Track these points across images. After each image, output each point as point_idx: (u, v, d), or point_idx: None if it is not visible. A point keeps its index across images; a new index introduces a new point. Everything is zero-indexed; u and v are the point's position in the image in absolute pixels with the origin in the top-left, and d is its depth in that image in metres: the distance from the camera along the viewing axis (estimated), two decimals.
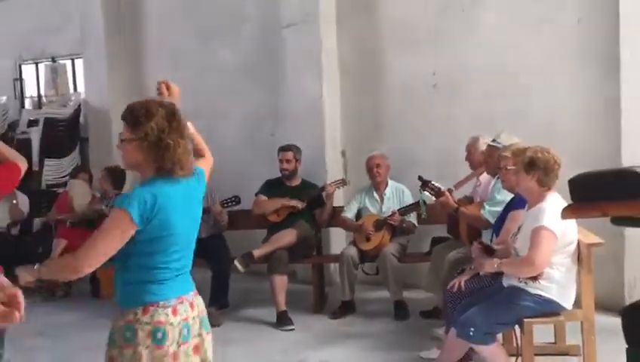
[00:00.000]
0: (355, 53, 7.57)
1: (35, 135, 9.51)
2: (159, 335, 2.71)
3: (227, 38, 8.43)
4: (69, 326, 6.54)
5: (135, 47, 9.25)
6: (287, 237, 6.49)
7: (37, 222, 8.56)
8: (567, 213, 3.32)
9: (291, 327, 6.12)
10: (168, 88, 3.24)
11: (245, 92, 8.28)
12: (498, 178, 5.10)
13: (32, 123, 9.68)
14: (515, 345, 4.54)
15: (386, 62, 7.39)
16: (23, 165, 4.18)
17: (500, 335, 4.62)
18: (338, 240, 7.30)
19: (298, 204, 6.67)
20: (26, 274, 2.85)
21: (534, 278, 4.21)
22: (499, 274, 4.47)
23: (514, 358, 4.42)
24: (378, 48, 7.43)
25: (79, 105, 9.53)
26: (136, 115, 2.75)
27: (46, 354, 5.75)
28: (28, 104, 10.47)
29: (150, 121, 2.72)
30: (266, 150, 7.75)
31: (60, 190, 8.80)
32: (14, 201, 8.12)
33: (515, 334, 4.51)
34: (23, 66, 10.58)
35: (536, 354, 4.36)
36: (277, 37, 7.80)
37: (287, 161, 6.80)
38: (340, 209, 6.86)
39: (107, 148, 9.08)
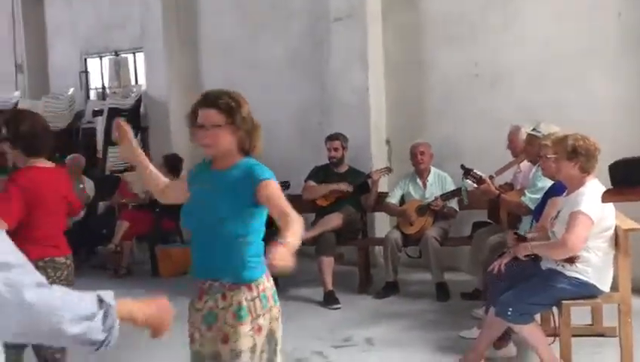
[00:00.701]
0: (399, 45, 7.52)
1: (100, 124, 9.69)
2: (275, 296, 2.91)
3: (277, 32, 8.45)
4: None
5: (191, 41, 9.35)
6: (335, 220, 6.52)
7: (101, 205, 8.75)
8: (607, 196, 3.28)
9: (338, 306, 6.15)
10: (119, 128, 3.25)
11: (294, 84, 8.31)
12: (539, 166, 5.03)
13: (96, 113, 9.86)
14: (552, 325, 4.49)
15: (429, 55, 7.33)
16: None
17: (538, 316, 4.58)
18: (382, 225, 7.31)
19: (348, 187, 6.69)
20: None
21: (571, 261, 4.16)
22: (538, 258, 4.42)
23: (551, 339, 4.38)
24: (421, 41, 7.38)
25: (140, 97, 9.66)
26: (227, 102, 2.83)
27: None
28: (93, 95, 10.67)
29: (242, 106, 2.85)
30: (313, 139, 7.77)
31: (122, 176, 8.96)
32: (81, 186, 8.30)
33: (553, 315, 4.46)
34: (88, 60, 10.78)
35: (573, 335, 4.31)
36: (325, 31, 7.79)
37: (335, 149, 6.81)
38: (385, 195, 6.85)
39: (166, 137, 9.22)
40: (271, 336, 2.87)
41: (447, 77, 7.21)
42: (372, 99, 7.49)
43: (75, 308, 1.76)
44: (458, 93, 7.16)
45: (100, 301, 1.83)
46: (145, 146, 9.65)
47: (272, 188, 2.83)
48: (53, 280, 3.84)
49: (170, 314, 2.09)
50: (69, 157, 8.46)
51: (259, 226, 2.88)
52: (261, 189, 2.79)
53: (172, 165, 8.08)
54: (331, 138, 6.89)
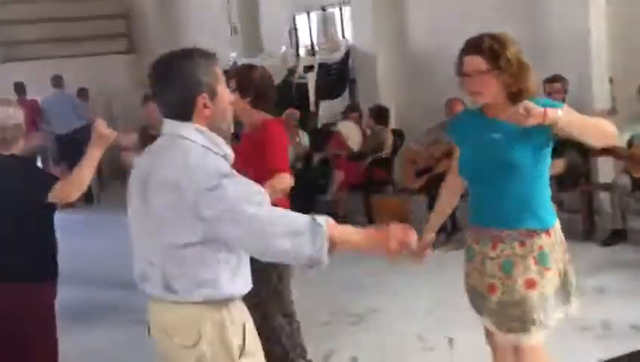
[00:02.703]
0: None
1: (311, 80, 9.97)
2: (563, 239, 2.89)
3: None
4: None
5: None
6: (557, 166, 6.21)
7: (315, 156, 9.05)
8: None
9: None
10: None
11: (508, 27, 7.93)
12: None
13: (307, 69, 10.15)
14: None
15: None
16: None
17: None
18: (606, 169, 6.86)
19: None
20: None
21: None
22: None
23: None
24: None
25: (348, 50, 9.79)
26: (490, 45, 2.72)
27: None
28: (302, 52, 10.97)
29: (507, 48, 2.71)
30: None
31: (333, 128, 9.18)
32: (297, 139, 8.63)
33: None
34: (297, 17, 11.07)
35: None
36: None
37: (557, 92, 6.47)
38: None
39: (373, 89, 9.30)
40: (566, 279, 2.84)
41: None
42: (593, 37, 6.99)
43: (289, 224, 2.09)
44: None
45: (312, 221, 2.09)
46: (353, 98, 9.83)
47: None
48: None
49: (405, 233, 2.17)
50: (286, 112, 8.81)
51: (547, 171, 2.82)
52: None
53: (377, 115, 8.25)
54: (550, 80, 6.54)
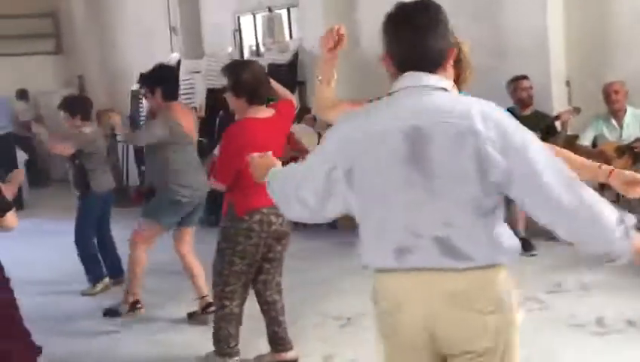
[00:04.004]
0: None
1: None
2: None
3: None
4: (319, 251, 6.73)
5: None
6: None
7: None
8: None
9: (534, 253, 5.93)
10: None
11: (466, 28, 7.93)
12: None
13: None
14: None
15: None
16: (294, 100, 4.37)
17: None
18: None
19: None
20: None
21: None
22: None
23: None
24: None
25: (297, 52, 9.60)
26: None
27: (305, 275, 5.89)
28: (246, 53, 10.68)
29: None
30: (489, 83, 7.41)
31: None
32: None
33: None
34: (241, 18, 10.80)
35: None
36: None
37: (530, 88, 6.50)
38: (575, 137, 6.47)
39: None
40: None
41: (635, 7, 6.66)
42: (551, 38, 7.05)
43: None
44: None
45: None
46: (302, 101, 9.63)
47: None
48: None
49: None
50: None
51: None
52: None
53: None
54: (519, 78, 6.56)
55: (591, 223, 1.97)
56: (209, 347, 4.54)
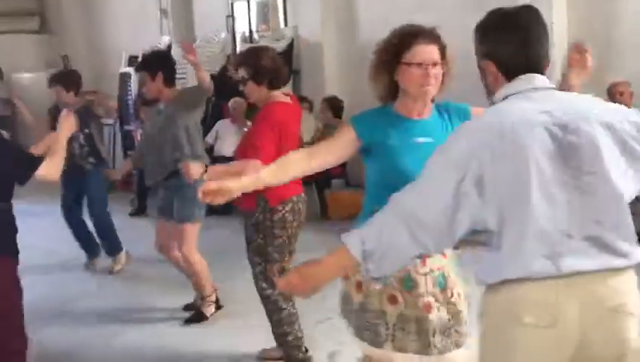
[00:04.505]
0: None
1: None
2: None
3: None
4: (323, 246, 6.58)
5: None
6: None
7: None
8: None
9: None
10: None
11: (465, 18, 7.82)
12: None
13: None
14: None
15: None
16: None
17: None
18: None
19: None
20: None
21: None
22: None
23: None
24: None
25: (292, 40, 9.43)
26: (440, 36, 2.72)
27: None
28: (239, 39, 10.47)
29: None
30: None
31: None
32: (245, 129, 8.21)
33: None
34: (234, 4, 10.59)
35: None
36: None
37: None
38: None
39: (320, 80, 9.00)
40: None
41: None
42: (555, 39, 6.98)
43: None
44: None
45: None
46: (297, 89, 9.48)
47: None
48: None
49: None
50: (231, 101, 8.40)
51: None
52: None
53: (335, 107, 8.08)
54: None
55: None
56: (209, 341, 4.43)
